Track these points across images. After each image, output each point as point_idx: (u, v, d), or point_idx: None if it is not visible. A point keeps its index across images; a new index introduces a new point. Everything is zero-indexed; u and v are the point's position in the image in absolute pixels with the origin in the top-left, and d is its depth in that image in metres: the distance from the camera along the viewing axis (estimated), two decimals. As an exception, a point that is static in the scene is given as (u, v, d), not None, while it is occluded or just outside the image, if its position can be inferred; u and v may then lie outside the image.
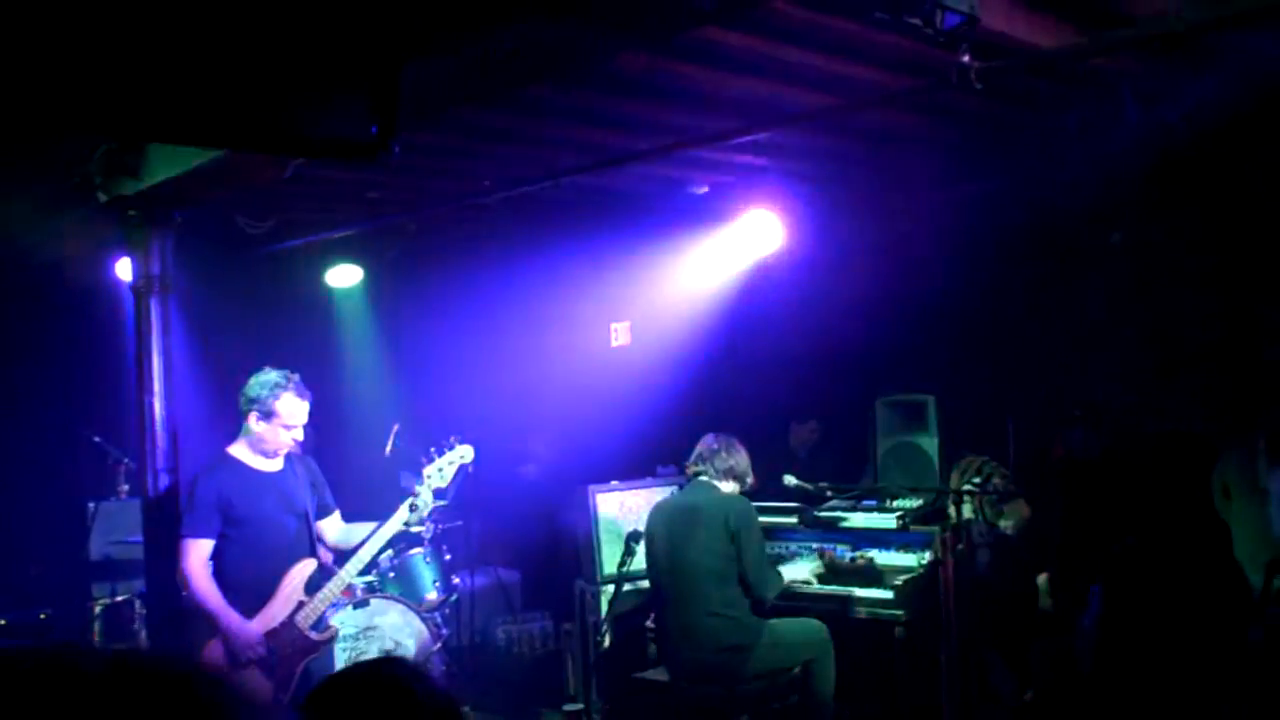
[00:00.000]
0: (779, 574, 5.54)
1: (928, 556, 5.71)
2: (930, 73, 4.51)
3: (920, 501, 6.06)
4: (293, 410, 4.73)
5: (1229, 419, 5.94)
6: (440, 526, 6.57)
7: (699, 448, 5.54)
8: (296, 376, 4.80)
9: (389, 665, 1.95)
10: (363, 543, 4.93)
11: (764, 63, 4.67)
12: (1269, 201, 5.58)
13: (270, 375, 4.76)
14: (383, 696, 1.79)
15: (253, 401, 4.73)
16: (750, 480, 5.54)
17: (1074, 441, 5.84)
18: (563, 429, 8.54)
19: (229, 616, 4.58)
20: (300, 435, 4.83)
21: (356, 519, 5.30)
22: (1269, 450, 5.53)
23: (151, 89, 3.14)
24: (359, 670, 1.97)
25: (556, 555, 7.63)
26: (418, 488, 5.00)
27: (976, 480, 5.97)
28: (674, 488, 6.34)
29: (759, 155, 6.30)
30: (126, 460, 6.97)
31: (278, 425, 4.72)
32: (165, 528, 5.36)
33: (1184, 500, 4.70)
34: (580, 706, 6.34)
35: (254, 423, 4.74)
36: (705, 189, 6.91)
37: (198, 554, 4.66)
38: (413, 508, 4.95)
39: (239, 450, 4.83)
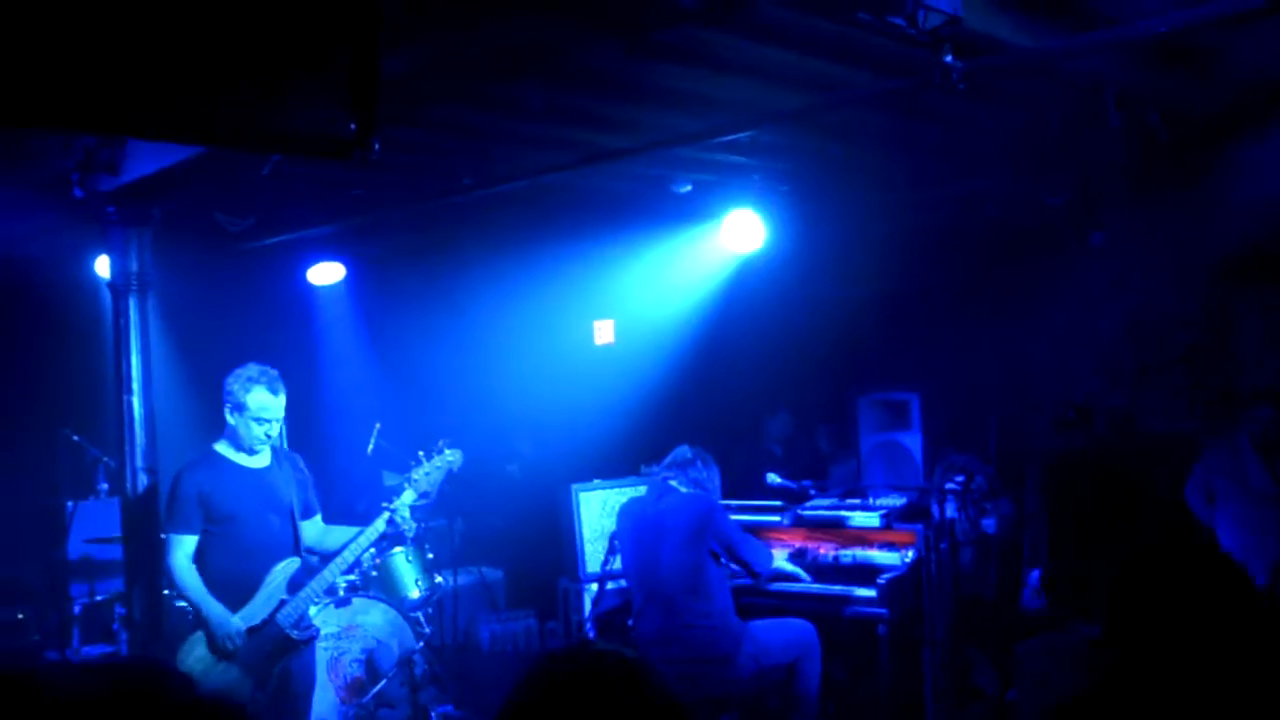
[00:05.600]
0: (766, 547, 5.56)
1: (911, 555, 5.71)
2: (913, 72, 4.51)
3: (904, 500, 6.07)
4: (264, 404, 4.72)
5: (1207, 417, 5.97)
6: (423, 525, 6.55)
7: (674, 454, 5.52)
8: (273, 371, 4.78)
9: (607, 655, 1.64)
10: (339, 550, 4.91)
11: (747, 61, 4.65)
12: (1246, 201, 5.60)
13: (245, 369, 4.76)
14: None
15: (227, 395, 4.74)
16: (716, 498, 5.52)
17: (1068, 442, 5.85)
18: (546, 427, 8.52)
19: (211, 606, 4.58)
20: (274, 431, 4.79)
21: (336, 519, 5.27)
22: (1255, 450, 5.52)
23: (130, 85, 3.11)
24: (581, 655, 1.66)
25: (540, 554, 7.60)
26: (396, 500, 4.97)
27: (960, 479, 5.98)
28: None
29: (741, 154, 6.29)
30: (105, 459, 6.91)
31: (249, 419, 4.71)
32: (144, 527, 5.32)
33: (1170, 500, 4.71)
34: (563, 706, 6.31)
35: (229, 416, 4.74)
36: (688, 187, 6.90)
37: (182, 550, 4.65)
38: (390, 521, 4.93)
39: (222, 446, 4.82)
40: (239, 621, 4.60)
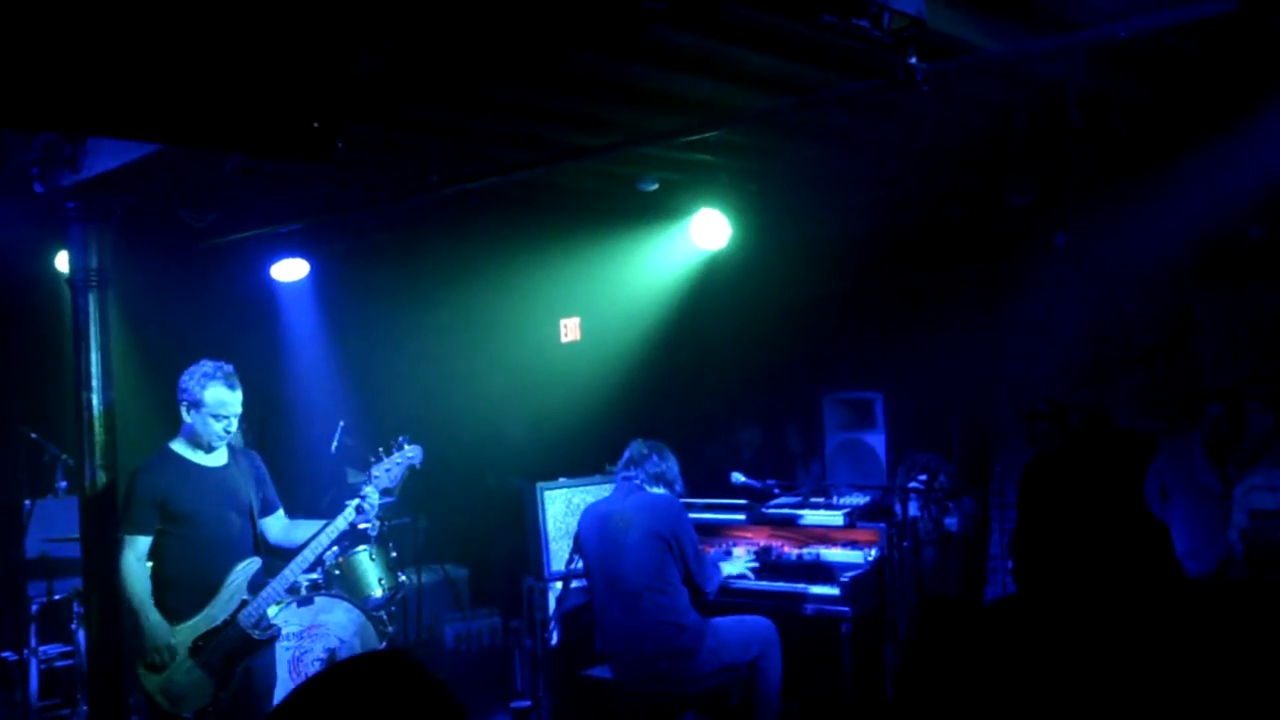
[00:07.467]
0: (717, 566, 5.57)
1: (874, 553, 5.76)
2: (879, 74, 4.53)
3: (867, 498, 6.11)
4: (221, 399, 4.67)
5: (1166, 418, 6.05)
6: (387, 524, 6.52)
7: (628, 452, 5.50)
8: (229, 367, 4.74)
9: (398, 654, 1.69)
10: (307, 542, 4.87)
11: (714, 61, 4.66)
12: (1207, 205, 5.68)
13: (200, 366, 4.71)
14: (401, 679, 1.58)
15: (183, 392, 4.68)
16: (679, 487, 5.51)
17: (1038, 436, 5.90)
18: (512, 425, 8.50)
19: (147, 614, 4.50)
20: (233, 426, 4.75)
21: (301, 517, 5.23)
22: (1205, 449, 5.61)
23: (93, 82, 3.08)
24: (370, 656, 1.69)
25: (504, 552, 7.59)
26: (365, 489, 4.94)
27: (923, 477, 6.03)
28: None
29: (709, 153, 6.31)
30: (64, 456, 6.83)
31: (206, 415, 4.66)
32: (103, 525, 5.26)
33: (1130, 496, 4.79)
34: (528, 704, 6.32)
35: (185, 414, 4.69)
36: (655, 186, 6.91)
37: (134, 551, 4.58)
38: (359, 509, 4.89)
39: (179, 445, 4.76)
40: (175, 635, 4.54)
